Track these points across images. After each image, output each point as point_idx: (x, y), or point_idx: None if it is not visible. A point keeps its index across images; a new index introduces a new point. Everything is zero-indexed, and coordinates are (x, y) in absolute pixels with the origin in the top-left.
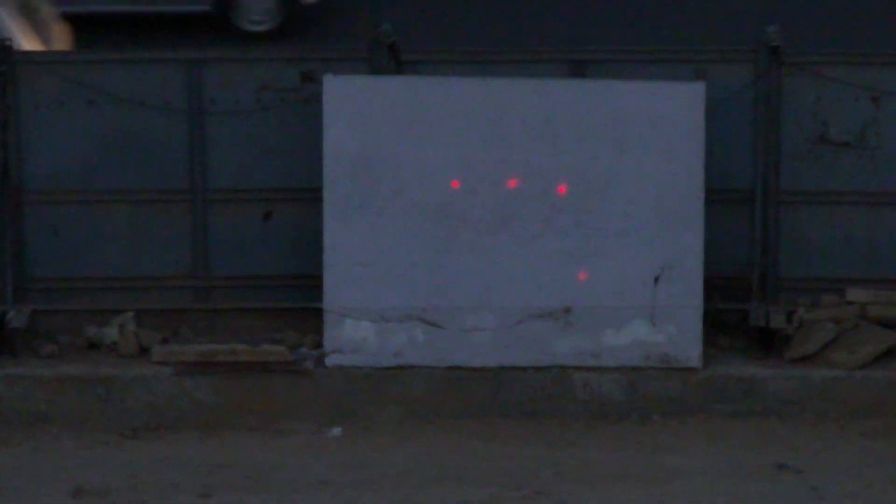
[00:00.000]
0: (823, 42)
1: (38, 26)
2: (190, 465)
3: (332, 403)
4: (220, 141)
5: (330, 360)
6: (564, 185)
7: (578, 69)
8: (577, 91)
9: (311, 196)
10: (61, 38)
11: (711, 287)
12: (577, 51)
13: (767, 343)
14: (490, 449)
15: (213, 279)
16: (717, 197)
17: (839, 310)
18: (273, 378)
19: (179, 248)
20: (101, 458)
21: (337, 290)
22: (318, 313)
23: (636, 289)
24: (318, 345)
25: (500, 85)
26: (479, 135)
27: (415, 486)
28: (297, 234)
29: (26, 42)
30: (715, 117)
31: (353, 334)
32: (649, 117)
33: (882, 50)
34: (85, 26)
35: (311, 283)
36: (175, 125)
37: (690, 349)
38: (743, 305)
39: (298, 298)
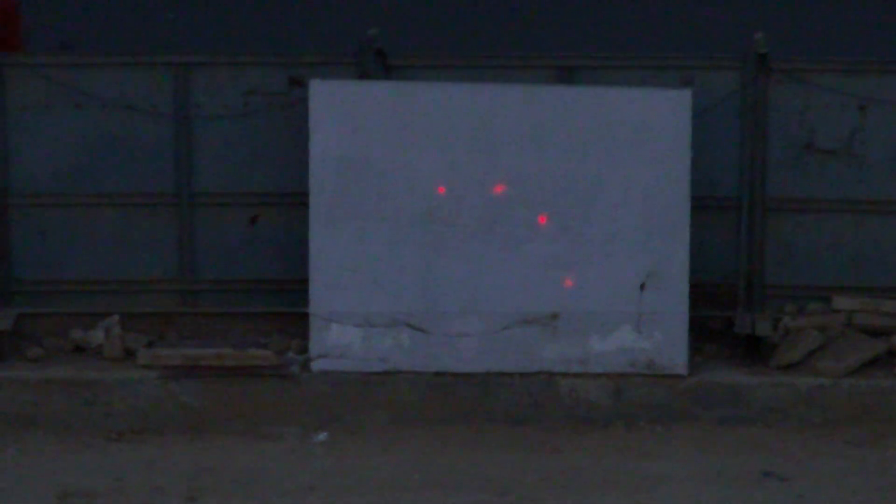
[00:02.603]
0: (812, 50)
1: None
2: (175, 468)
3: (318, 408)
4: (207, 145)
5: (316, 365)
6: (551, 191)
7: (567, 75)
8: (565, 97)
9: (297, 201)
10: None
11: (697, 294)
12: (566, 57)
13: (753, 350)
14: (475, 455)
15: (200, 283)
16: (704, 204)
17: (825, 317)
18: (259, 382)
19: (166, 251)
20: (87, 462)
21: (323, 294)
22: (305, 318)
23: (622, 295)
24: (305, 349)
25: (488, 90)
26: (466, 140)
27: (400, 492)
28: (284, 238)
29: None
30: (702, 124)
31: (340, 339)
32: (636, 124)
33: (870, 58)
34: None
35: (297, 287)
36: (162, 129)
37: (676, 356)
38: (729, 313)
39: (285, 303)
